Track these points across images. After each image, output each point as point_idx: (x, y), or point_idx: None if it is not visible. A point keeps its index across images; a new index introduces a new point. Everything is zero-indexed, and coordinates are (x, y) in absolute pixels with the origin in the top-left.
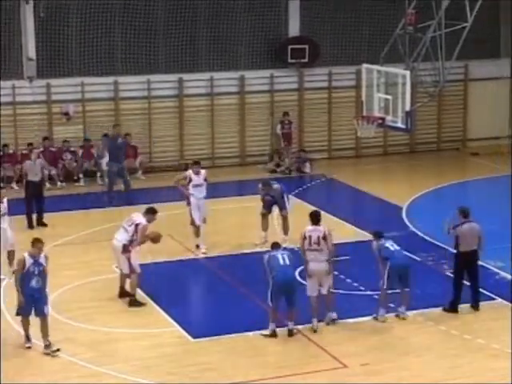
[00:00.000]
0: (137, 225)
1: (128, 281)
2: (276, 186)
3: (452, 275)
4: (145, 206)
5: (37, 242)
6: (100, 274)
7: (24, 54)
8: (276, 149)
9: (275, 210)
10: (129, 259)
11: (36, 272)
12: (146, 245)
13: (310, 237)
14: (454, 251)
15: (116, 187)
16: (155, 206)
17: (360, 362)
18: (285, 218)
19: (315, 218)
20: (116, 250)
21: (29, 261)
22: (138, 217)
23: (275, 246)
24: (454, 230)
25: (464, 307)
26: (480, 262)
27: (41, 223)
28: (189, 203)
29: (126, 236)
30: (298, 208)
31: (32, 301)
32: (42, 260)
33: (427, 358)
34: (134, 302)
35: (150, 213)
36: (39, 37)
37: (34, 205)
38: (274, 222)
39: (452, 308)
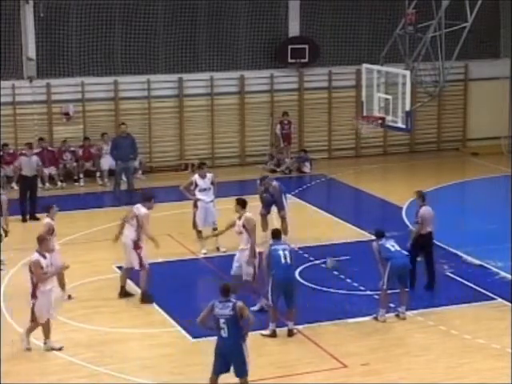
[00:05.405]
0: (137, 217)
1: (129, 280)
2: (275, 183)
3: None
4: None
5: (226, 289)
6: (100, 274)
7: (24, 53)
8: (276, 149)
9: (274, 210)
10: (140, 255)
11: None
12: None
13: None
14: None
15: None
16: (155, 205)
17: (360, 362)
18: (283, 219)
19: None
20: (126, 246)
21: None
22: (138, 209)
23: (276, 234)
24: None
25: (464, 307)
26: (480, 262)
27: (33, 217)
28: (196, 206)
29: (132, 231)
30: (298, 208)
31: None
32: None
33: (427, 357)
34: (147, 298)
35: (147, 200)
36: (39, 37)
37: (27, 199)
38: (274, 222)
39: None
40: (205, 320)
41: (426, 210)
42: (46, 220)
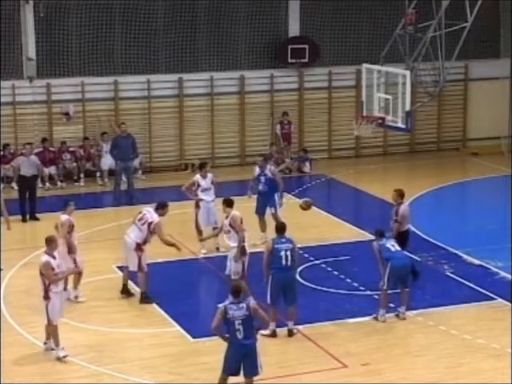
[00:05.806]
0: (150, 223)
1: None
2: (273, 167)
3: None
4: (145, 206)
5: (238, 290)
6: (100, 274)
7: (24, 53)
8: (276, 148)
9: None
10: (140, 257)
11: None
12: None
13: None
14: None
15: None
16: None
17: (360, 362)
18: (275, 217)
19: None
20: (128, 246)
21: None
22: (150, 214)
23: (280, 229)
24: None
25: (464, 307)
26: (480, 262)
27: (33, 217)
28: (198, 206)
29: (140, 235)
30: (298, 208)
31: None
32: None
33: (427, 357)
34: (146, 299)
35: (161, 208)
36: (39, 37)
37: (27, 199)
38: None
39: None
40: (219, 326)
41: (404, 209)
42: (64, 217)
